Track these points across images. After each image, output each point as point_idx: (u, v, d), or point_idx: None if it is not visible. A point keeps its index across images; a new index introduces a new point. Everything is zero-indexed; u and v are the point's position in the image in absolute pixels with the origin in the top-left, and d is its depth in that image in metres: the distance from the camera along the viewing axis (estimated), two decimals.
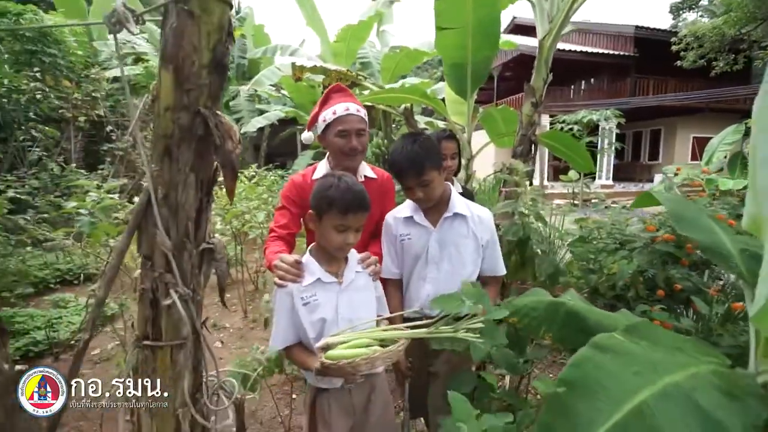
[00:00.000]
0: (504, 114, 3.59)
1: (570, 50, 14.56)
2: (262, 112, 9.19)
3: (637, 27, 14.17)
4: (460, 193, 1.67)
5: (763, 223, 0.95)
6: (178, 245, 0.96)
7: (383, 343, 1.07)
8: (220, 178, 1.02)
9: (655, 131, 17.27)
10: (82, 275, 4.06)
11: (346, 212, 1.14)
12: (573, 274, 1.92)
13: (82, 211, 1.92)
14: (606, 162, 15.59)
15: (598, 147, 13.66)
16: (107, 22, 0.80)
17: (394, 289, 1.50)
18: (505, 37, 5.30)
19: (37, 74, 5.67)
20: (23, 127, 5.34)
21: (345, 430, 1.24)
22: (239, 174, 1.92)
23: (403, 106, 3.60)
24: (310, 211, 1.22)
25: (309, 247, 1.29)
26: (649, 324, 1.16)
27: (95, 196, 2.15)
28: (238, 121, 9.07)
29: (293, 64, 3.54)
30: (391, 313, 1.39)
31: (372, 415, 1.28)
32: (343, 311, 1.20)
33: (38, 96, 5.44)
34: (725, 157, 7.67)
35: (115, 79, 8.50)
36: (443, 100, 3.84)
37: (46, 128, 5.47)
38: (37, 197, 5.46)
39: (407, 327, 1.20)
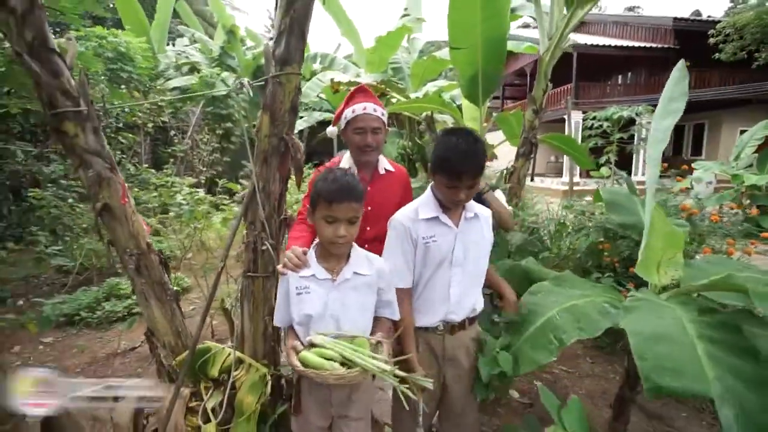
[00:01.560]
0: (517, 117, 4.07)
1: (605, 45, 14.36)
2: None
3: (675, 18, 13.77)
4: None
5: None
6: (269, 216, 1.60)
7: (349, 361, 1.09)
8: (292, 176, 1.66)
9: (699, 125, 16.60)
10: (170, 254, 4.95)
11: (332, 202, 1.15)
12: (551, 250, 2.43)
13: (182, 201, 2.66)
14: (641, 159, 15.26)
15: (635, 142, 13.41)
16: (235, 89, 1.44)
17: (407, 297, 1.39)
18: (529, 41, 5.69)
19: (123, 88, 6.70)
20: (113, 135, 6.37)
21: (320, 418, 1.29)
22: None
23: (424, 113, 4.16)
24: (308, 206, 1.25)
25: (314, 243, 1.32)
26: (572, 276, 1.70)
27: (187, 191, 2.90)
28: None
29: (332, 79, 4.19)
30: (410, 334, 1.36)
31: (352, 412, 1.28)
32: (332, 308, 1.21)
33: (126, 109, 6.45)
34: (755, 152, 7.60)
35: (175, 88, 9.58)
36: (460, 106, 4.36)
37: (129, 135, 6.47)
38: None
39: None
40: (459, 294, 1.39)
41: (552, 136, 3.84)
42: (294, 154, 1.56)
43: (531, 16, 3.64)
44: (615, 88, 16.57)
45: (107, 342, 3.15)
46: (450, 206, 1.37)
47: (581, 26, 18.06)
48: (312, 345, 1.14)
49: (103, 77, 5.48)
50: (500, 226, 1.98)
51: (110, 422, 1.58)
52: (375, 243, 1.61)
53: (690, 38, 13.91)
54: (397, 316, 1.32)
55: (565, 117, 14.87)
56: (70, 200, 4.21)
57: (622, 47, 14.59)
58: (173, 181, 3.94)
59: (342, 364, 1.08)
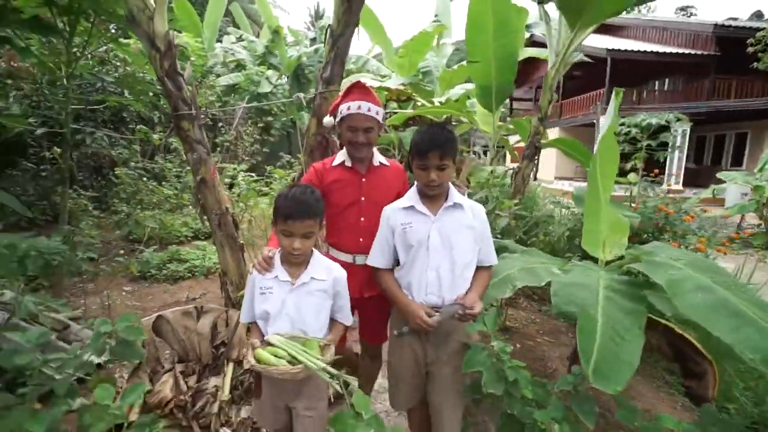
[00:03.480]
0: (530, 122, 4.53)
1: (642, 51, 14.18)
2: None
3: (716, 25, 13.43)
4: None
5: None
6: None
7: (294, 359, 1.22)
8: None
9: (741, 134, 16.06)
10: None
11: (287, 219, 1.26)
12: (539, 237, 2.93)
13: (242, 182, 3.33)
14: (675, 166, 14.98)
15: (668, 149, 13.24)
16: (295, 102, 2.06)
17: (388, 274, 1.56)
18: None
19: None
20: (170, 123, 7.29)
21: (276, 403, 1.40)
22: None
23: (444, 116, 4.69)
24: (273, 218, 1.36)
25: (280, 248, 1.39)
26: (536, 251, 2.22)
27: (243, 175, 3.57)
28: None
29: None
30: (393, 292, 1.50)
31: (302, 403, 1.37)
32: (288, 309, 1.32)
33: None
34: None
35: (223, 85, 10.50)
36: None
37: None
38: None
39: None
40: (436, 277, 1.46)
41: (558, 140, 4.27)
42: (331, 149, 2.16)
43: (543, 34, 4.07)
44: (651, 93, 16.27)
45: (173, 294, 3.91)
46: (427, 191, 1.47)
47: (618, 30, 17.79)
48: (268, 344, 1.27)
49: None
50: None
51: (195, 330, 2.24)
52: (367, 234, 1.65)
53: (731, 45, 13.53)
54: (349, 322, 1.47)
55: (596, 122, 14.86)
56: (144, 179, 5.04)
57: (659, 53, 14.34)
58: (233, 166, 4.69)
59: (290, 362, 1.21)
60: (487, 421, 2.13)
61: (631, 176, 8.67)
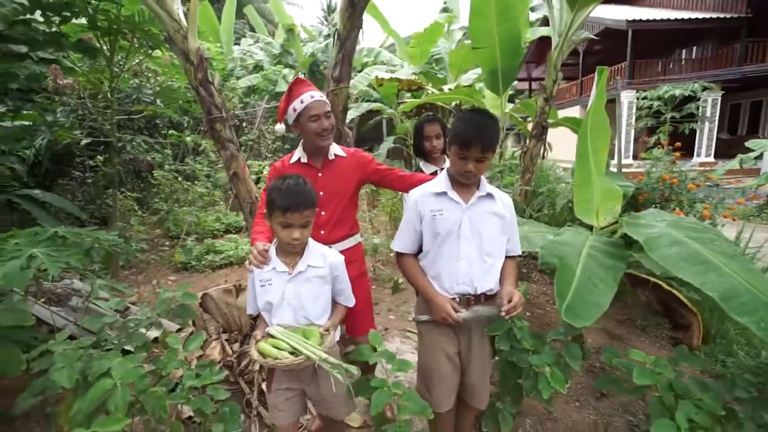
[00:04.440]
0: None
1: (665, 19, 13.61)
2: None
3: None
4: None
5: None
6: None
7: (296, 351, 1.24)
8: None
9: (756, 103, 15.24)
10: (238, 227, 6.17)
11: (286, 211, 1.27)
12: (543, 211, 3.10)
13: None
14: (706, 138, 14.40)
15: (696, 121, 12.73)
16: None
17: (413, 260, 1.55)
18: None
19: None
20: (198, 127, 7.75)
21: (291, 389, 1.42)
22: None
23: (453, 103, 4.85)
24: (264, 210, 1.37)
25: (275, 240, 1.42)
26: (535, 222, 2.42)
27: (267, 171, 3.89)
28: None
29: (376, 76, 5.00)
30: (419, 281, 1.50)
31: (321, 386, 1.39)
32: (288, 298, 1.35)
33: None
34: None
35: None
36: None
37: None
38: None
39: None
40: (468, 267, 1.44)
41: (566, 119, 4.37)
42: (345, 139, 2.42)
43: (546, 15, 4.15)
44: (677, 63, 15.60)
45: (212, 280, 4.32)
46: (461, 179, 1.44)
47: None
48: (270, 336, 1.31)
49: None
50: None
51: (235, 305, 2.59)
52: (328, 226, 1.73)
53: (765, 4, 12.78)
54: (351, 303, 1.49)
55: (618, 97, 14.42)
56: (179, 179, 5.50)
57: (684, 20, 13.70)
58: (258, 163, 5.06)
59: (292, 353, 1.24)
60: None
61: (656, 151, 8.59)
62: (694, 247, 1.65)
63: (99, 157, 5.26)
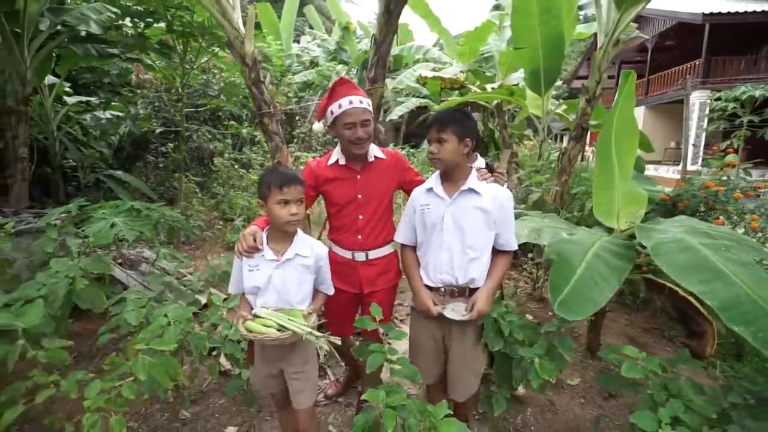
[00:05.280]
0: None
1: (748, 12, 12.28)
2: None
3: None
4: (482, 167, 1.90)
5: None
6: None
7: (282, 328, 1.33)
8: None
9: None
10: None
11: (282, 186, 1.36)
12: (573, 213, 3.11)
13: None
14: None
15: None
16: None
17: (409, 251, 1.69)
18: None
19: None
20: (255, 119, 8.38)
21: (268, 368, 1.52)
22: None
23: (495, 102, 4.87)
24: (259, 200, 1.43)
25: (266, 228, 1.47)
26: (554, 215, 2.47)
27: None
28: (385, 111, 11.19)
29: (420, 74, 5.15)
30: (410, 274, 1.64)
31: (291, 366, 1.50)
32: (274, 283, 1.42)
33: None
34: None
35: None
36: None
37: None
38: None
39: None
40: (449, 258, 1.54)
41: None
42: (378, 136, 2.63)
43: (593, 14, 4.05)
44: (763, 61, 14.00)
45: None
46: (433, 165, 1.58)
47: None
48: (256, 316, 1.38)
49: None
50: None
51: None
52: (366, 230, 1.70)
53: None
54: (330, 291, 1.59)
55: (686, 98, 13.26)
56: (235, 167, 6.05)
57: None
58: (307, 154, 5.47)
59: (278, 330, 1.33)
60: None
61: (730, 157, 8.04)
62: (704, 253, 1.66)
63: (170, 144, 5.93)
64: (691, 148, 12.37)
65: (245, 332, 1.35)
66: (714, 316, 2.03)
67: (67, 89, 5.41)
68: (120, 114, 5.58)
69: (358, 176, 1.70)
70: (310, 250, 1.48)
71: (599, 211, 2.30)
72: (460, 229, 1.54)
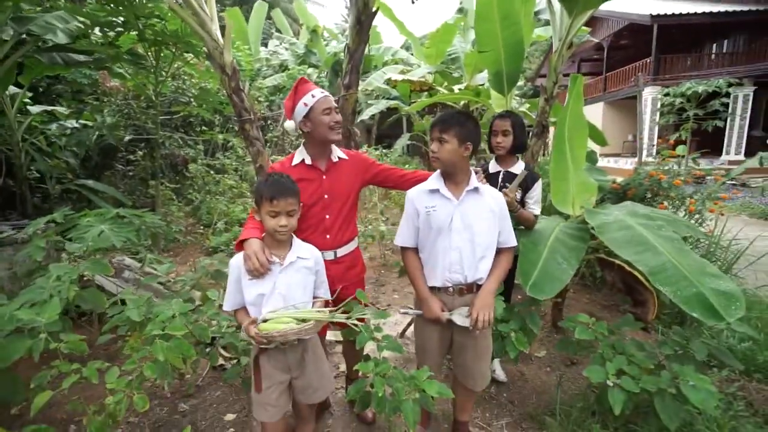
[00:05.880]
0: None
1: (693, 13, 13.25)
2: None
3: None
4: (525, 170, 2.09)
5: None
6: None
7: (301, 321, 1.33)
8: None
9: None
10: None
11: (272, 199, 1.37)
12: None
13: None
14: (736, 135, 13.97)
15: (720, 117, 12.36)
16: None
17: (413, 254, 1.68)
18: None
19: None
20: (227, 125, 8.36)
21: (282, 381, 1.49)
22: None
23: (462, 102, 5.15)
24: (253, 206, 1.44)
25: (263, 234, 1.48)
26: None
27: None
28: (358, 112, 11.34)
29: (389, 78, 5.36)
30: (415, 281, 1.64)
31: (307, 369, 1.51)
32: (279, 288, 1.42)
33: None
34: None
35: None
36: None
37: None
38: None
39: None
40: (459, 257, 1.56)
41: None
42: (354, 138, 2.81)
43: (548, 19, 4.38)
44: (708, 58, 15.13)
45: None
46: (434, 164, 1.59)
47: None
48: (265, 321, 1.35)
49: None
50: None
51: None
52: (333, 230, 1.73)
53: None
54: (328, 295, 1.60)
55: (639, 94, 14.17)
56: (211, 173, 6.06)
57: (713, 13, 13.29)
58: (281, 157, 5.56)
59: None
60: None
61: (679, 149, 8.70)
62: (639, 231, 1.95)
63: (139, 152, 5.88)
64: (646, 140, 13.24)
65: (261, 335, 1.31)
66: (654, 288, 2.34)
67: (26, 99, 5.27)
68: (88, 123, 5.49)
69: (324, 176, 1.73)
70: (309, 252, 1.52)
71: (557, 200, 2.57)
72: (469, 229, 1.55)
